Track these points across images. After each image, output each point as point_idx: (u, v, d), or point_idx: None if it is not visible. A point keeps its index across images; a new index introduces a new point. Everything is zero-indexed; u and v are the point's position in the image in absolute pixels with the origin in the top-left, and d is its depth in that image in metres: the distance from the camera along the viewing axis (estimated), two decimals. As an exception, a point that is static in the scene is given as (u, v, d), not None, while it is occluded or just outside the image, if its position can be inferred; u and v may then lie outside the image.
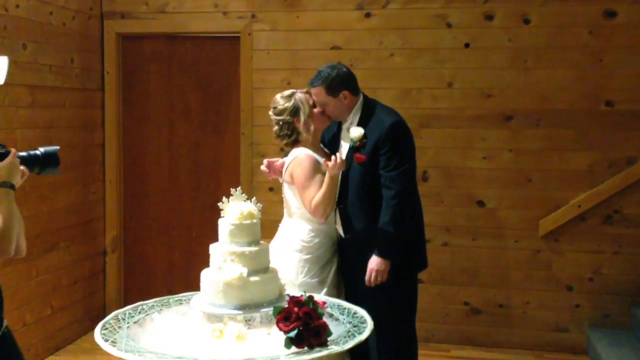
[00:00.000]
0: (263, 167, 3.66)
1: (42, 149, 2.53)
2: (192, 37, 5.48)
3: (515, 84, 4.92)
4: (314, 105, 3.52)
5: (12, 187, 2.35)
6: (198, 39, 5.49)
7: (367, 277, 3.37)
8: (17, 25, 4.44)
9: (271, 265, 3.47)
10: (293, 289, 3.31)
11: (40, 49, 4.68)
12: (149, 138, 5.60)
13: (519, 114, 4.92)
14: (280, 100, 3.53)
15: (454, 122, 5.00)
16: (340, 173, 3.46)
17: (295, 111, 3.48)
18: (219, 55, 5.47)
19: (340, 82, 3.43)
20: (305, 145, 3.52)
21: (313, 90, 3.49)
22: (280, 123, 3.52)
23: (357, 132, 3.42)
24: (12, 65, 4.40)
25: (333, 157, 3.33)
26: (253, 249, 2.76)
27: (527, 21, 4.87)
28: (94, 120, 5.42)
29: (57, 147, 2.60)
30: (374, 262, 3.35)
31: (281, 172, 3.62)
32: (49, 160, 2.53)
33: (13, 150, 2.41)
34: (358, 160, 3.41)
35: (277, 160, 3.67)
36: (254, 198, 2.93)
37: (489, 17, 4.92)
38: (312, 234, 3.51)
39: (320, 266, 3.50)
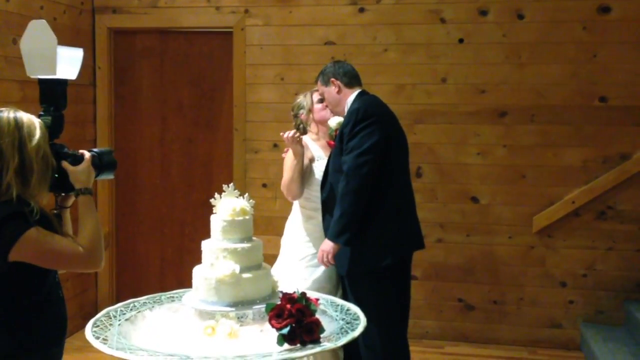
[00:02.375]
0: (284, 155, 3.85)
1: (96, 150, 2.41)
2: (184, 32, 5.45)
3: (509, 80, 4.91)
4: (321, 102, 3.75)
5: (91, 193, 2.29)
6: (190, 34, 5.45)
7: (317, 257, 3.48)
8: (8, 20, 4.40)
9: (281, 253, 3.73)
10: (292, 271, 3.55)
11: (31, 43, 4.64)
12: (141, 134, 5.57)
13: (513, 110, 4.92)
14: (298, 96, 3.92)
15: (448, 118, 4.99)
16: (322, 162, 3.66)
17: (299, 106, 3.82)
18: (212, 51, 5.44)
19: (330, 71, 3.64)
20: (309, 136, 3.78)
21: (317, 85, 3.74)
22: (293, 116, 3.87)
23: (334, 121, 3.62)
24: (2, 60, 4.37)
25: (288, 131, 3.57)
26: (245, 245, 2.75)
27: (521, 16, 4.86)
28: (86, 116, 5.38)
29: (111, 149, 2.49)
30: (324, 244, 3.44)
31: None
32: (107, 164, 2.42)
33: (87, 153, 2.33)
34: (330, 146, 3.62)
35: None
36: (247, 194, 2.91)
37: (483, 13, 4.91)
38: (305, 220, 3.70)
39: (312, 253, 3.63)
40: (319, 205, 3.60)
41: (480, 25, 4.91)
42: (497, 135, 4.94)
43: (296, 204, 3.75)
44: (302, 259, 3.65)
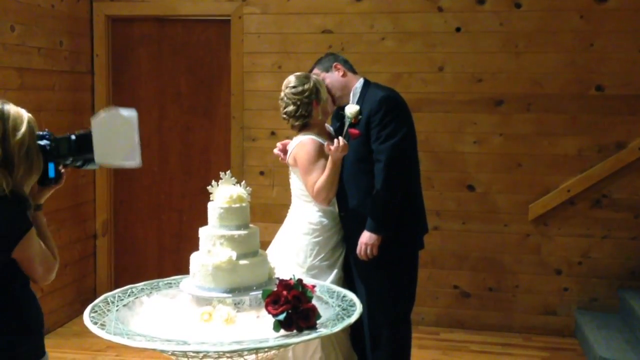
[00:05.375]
0: (276, 151, 3.68)
1: (79, 133, 2.26)
2: (182, 20, 5.44)
3: (506, 69, 4.91)
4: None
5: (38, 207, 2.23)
6: (188, 22, 5.45)
7: (357, 250, 3.38)
8: (5, 7, 4.40)
9: (281, 248, 3.54)
10: (302, 273, 3.30)
11: (29, 31, 4.65)
12: (139, 121, 5.55)
13: (510, 99, 4.93)
14: (297, 80, 3.50)
15: (445, 107, 5.00)
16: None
17: (316, 92, 3.48)
18: (210, 39, 5.44)
19: (330, 58, 3.63)
20: (311, 131, 3.52)
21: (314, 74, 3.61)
22: (299, 103, 3.47)
23: (352, 109, 3.45)
24: (0, 47, 4.37)
25: (335, 140, 3.34)
26: (242, 232, 2.77)
27: (518, 5, 4.86)
28: (84, 104, 5.39)
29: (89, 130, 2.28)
30: (364, 236, 3.35)
31: None
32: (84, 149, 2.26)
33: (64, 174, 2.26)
34: (353, 135, 3.39)
35: (290, 142, 3.67)
36: (244, 182, 2.93)
37: (480, 1, 4.90)
38: (320, 216, 3.50)
39: (330, 249, 3.50)
40: (333, 199, 3.52)
41: (477, 14, 4.91)
42: (493, 123, 4.96)
43: (304, 200, 3.54)
44: (319, 259, 3.46)
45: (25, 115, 2.13)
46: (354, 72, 3.63)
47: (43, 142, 2.15)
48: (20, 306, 2.19)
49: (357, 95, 3.51)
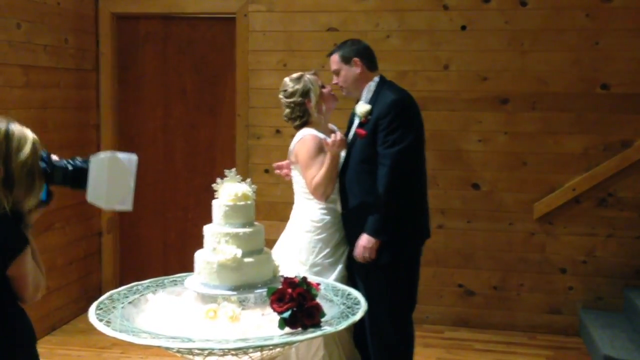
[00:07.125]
0: (277, 172, 3.74)
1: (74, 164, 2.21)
2: (187, 17, 5.44)
3: (511, 67, 4.90)
4: (322, 86, 3.58)
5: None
6: (193, 20, 5.45)
7: (355, 253, 3.39)
8: (11, 4, 4.41)
9: (284, 246, 3.55)
10: (305, 271, 3.31)
11: (35, 28, 4.65)
12: (144, 119, 5.58)
13: (515, 97, 4.92)
14: (289, 83, 3.57)
15: (450, 105, 5.00)
16: (344, 151, 3.48)
17: (305, 92, 3.52)
18: (215, 37, 5.44)
19: (353, 50, 3.52)
20: (312, 127, 3.54)
21: (330, 59, 3.57)
22: (292, 105, 3.55)
23: (363, 107, 3.44)
24: (6, 45, 4.38)
25: (332, 135, 3.35)
26: (247, 230, 2.77)
27: (523, 3, 4.85)
28: (89, 101, 5.39)
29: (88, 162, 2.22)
30: (363, 239, 3.35)
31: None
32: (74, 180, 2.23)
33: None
34: (359, 135, 3.40)
35: (284, 163, 3.74)
36: (249, 179, 2.93)
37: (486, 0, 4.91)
38: (323, 214, 3.51)
39: (332, 246, 3.50)
40: (335, 196, 3.53)
41: (482, 12, 4.91)
42: (498, 122, 4.95)
43: (306, 198, 3.55)
44: (321, 256, 3.47)
45: (30, 136, 2.10)
46: (374, 68, 3.55)
47: (42, 166, 2.13)
48: (11, 322, 2.16)
49: (371, 93, 3.48)
